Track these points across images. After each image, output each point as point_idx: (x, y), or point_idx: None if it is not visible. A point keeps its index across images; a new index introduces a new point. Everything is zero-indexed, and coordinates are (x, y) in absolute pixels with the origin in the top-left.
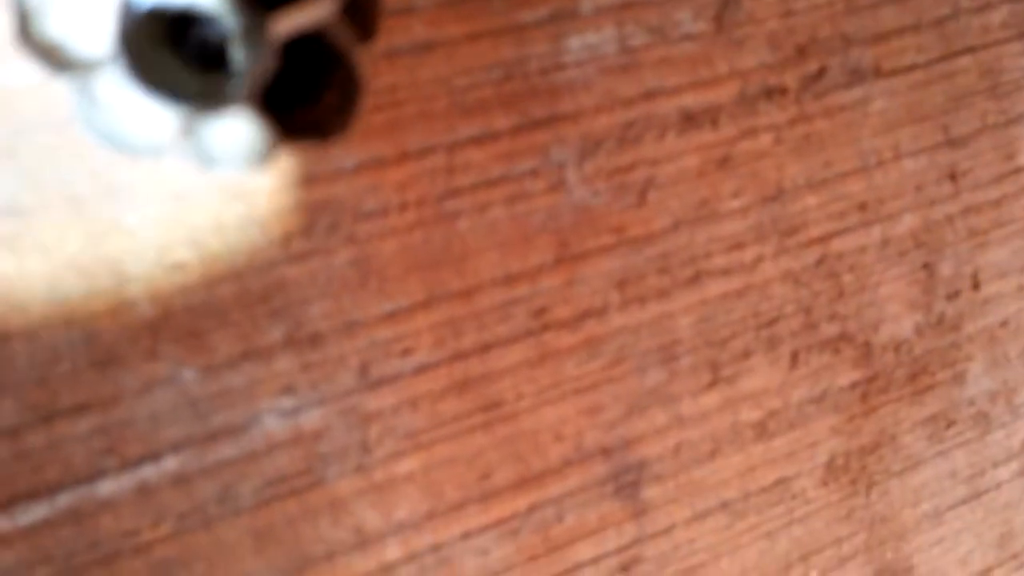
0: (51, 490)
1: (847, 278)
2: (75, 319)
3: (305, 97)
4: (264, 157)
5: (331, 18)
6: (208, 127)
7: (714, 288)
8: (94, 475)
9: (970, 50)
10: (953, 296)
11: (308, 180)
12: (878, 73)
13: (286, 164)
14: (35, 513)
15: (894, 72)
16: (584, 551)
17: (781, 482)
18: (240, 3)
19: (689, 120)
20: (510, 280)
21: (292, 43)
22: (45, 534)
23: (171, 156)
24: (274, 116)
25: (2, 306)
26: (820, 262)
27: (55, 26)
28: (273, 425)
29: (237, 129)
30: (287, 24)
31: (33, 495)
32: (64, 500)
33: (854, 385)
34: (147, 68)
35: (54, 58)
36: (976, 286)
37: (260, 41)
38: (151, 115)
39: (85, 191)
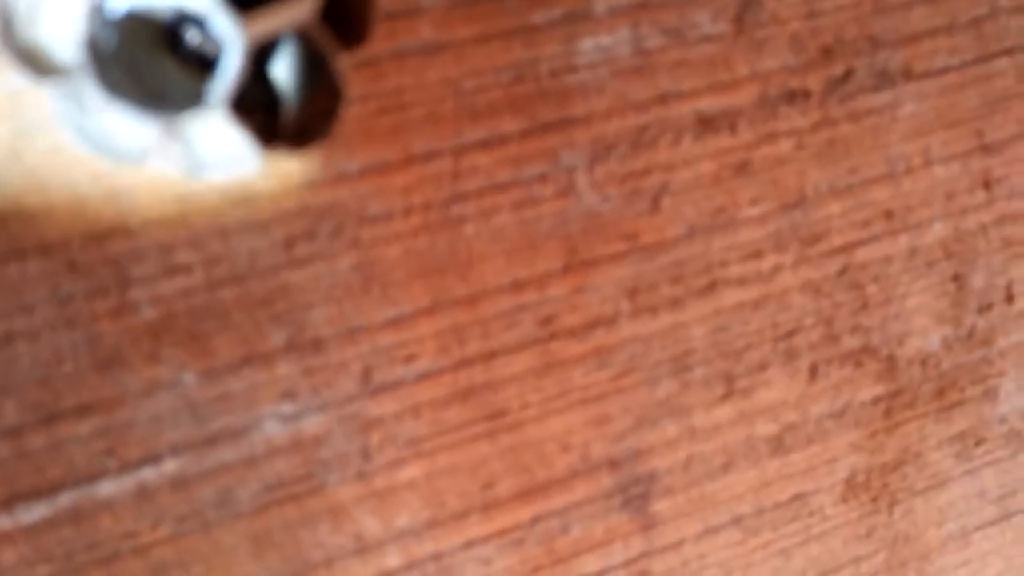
0: (52, 489)
1: (871, 289)
2: (78, 320)
3: (288, 102)
4: (248, 163)
5: (307, 21)
6: (190, 133)
7: (730, 298)
8: (95, 476)
9: (1008, 52)
10: (985, 309)
11: (311, 184)
12: (908, 76)
13: (289, 168)
14: (36, 512)
15: (925, 75)
16: (590, 564)
17: (798, 498)
18: (220, 5)
19: (706, 124)
20: (517, 287)
21: (274, 48)
22: (46, 533)
23: (156, 162)
24: (257, 120)
25: (6, 307)
26: (843, 272)
27: (40, 32)
28: (273, 430)
29: (219, 134)
30: (261, 27)
31: (35, 494)
32: (65, 500)
33: (877, 400)
34: (114, 73)
35: (36, 64)
36: (1010, 299)
37: (235, 43)
38: (131, 121)
39: (88, 193)
